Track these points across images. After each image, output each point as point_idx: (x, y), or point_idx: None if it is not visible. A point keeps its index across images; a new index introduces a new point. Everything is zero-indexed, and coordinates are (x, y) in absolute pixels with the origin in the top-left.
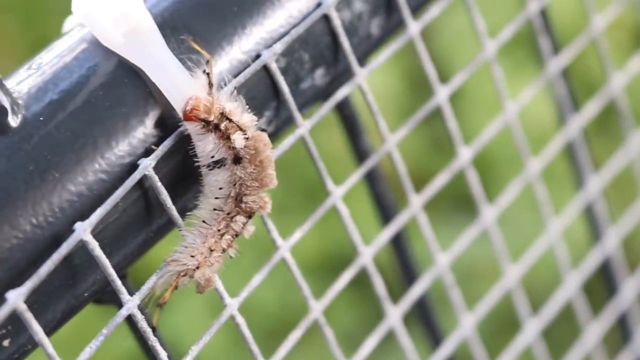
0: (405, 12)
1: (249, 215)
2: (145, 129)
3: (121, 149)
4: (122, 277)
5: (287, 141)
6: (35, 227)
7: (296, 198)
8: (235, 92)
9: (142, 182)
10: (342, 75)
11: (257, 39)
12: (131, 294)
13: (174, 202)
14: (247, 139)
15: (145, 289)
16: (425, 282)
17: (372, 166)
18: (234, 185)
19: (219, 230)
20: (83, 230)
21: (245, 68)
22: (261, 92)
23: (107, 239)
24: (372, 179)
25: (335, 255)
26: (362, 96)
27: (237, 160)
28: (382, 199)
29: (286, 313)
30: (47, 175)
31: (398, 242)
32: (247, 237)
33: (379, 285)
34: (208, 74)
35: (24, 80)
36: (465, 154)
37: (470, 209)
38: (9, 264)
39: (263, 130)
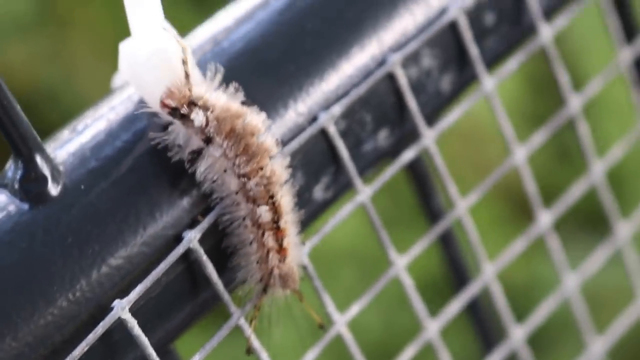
0: (480, 67)
1: (269, 198)
2: (191, 199)
3: (165, 219)
4: (166, 353)
5: (345, 209)
6: (72, 303)
7: (405, 211)
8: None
9: (188, 255)
10: (410, 134)
11: (314, 100)
12: None
13: (221, 275)
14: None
15: None
16: (550, 305)
17: (445, 228)
18: (225, 171)
19: (256, 236)
20: (121, 309)
21: (301, 131)
22: (318, 156)
23: (149, 314)
24: (445, 242)
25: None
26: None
27: (208, 140)
28: (456, 263)
29: (390, 339)
30: (86, 248)
31: None
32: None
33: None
34: (184, 62)
35: (66, 145)
36: (597, 170)
37: (597, 228)
38: (45, 342)
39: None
